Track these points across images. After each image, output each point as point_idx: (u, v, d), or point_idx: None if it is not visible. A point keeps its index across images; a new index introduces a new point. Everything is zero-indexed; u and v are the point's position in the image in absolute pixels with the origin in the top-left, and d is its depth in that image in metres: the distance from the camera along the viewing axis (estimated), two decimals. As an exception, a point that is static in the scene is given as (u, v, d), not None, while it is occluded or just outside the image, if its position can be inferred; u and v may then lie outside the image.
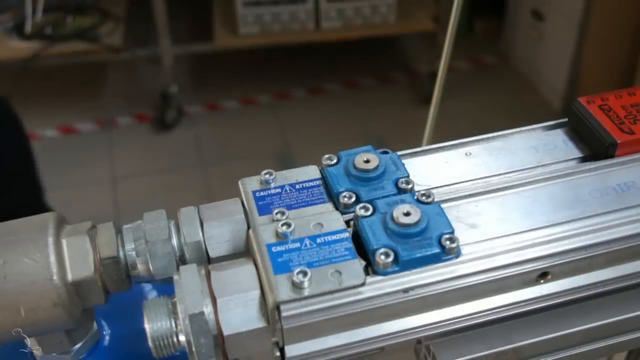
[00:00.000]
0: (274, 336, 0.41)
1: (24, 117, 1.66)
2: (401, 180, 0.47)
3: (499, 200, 0.47)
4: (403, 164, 0.48)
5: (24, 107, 1.83)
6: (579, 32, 2.40)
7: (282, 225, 0.43)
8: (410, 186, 0.47)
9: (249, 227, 0.47)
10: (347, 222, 0.45)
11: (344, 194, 0.46)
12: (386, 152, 0.49)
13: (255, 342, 0.42)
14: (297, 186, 0.48)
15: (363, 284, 0.41)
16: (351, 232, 0.44)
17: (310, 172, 0.49)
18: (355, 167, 0.47)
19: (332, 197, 0.47)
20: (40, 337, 0.50)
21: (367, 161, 0.47)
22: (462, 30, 2.75)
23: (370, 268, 0.42)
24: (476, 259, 0.43)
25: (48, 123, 2.40)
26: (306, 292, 0.40)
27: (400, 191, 0.46)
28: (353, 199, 0.46)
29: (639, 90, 0.54)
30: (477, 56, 2.90)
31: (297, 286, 0.40)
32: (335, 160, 0.49)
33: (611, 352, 0.51)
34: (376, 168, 0.47)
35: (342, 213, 0.45)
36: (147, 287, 0.59)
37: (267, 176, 0.48)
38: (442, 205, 0.45)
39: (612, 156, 0.50)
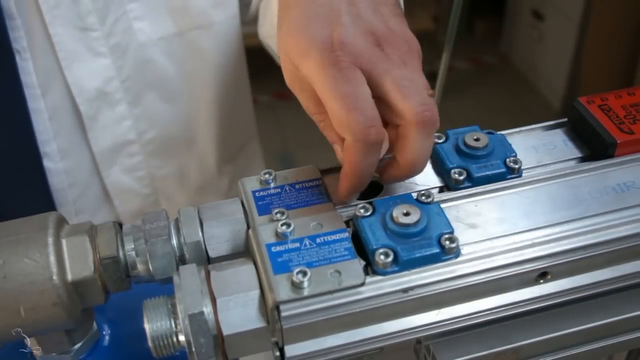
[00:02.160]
0: (273, 336, 0.41)
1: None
2: (509, 159, 0.49)
3: (498, 200, 0.47)
4: (510, 144, 0.50)
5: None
6: (579, 32, 2.41)
7: (282, 225, 0.43)
8: (517, 166, 0.48)
9: (248, 227, 0.47)
10: (347, 222, 0.45)
11: (454, 170, 0.48)
12: (492, 133, 0.51)
13: (254, 342, 0.42)
14: (297, 186, 0.48)
15: (363, 284, 0.41)
16: (351, 232, 0.44)
17: (310, 172, 0.49)
18: (465, 144, 0.49)
19: (442, 173, 0.49)
20: (40, 337, 0.50)
21: (477, 139, 0.49)
22: (462, 30, 2.76)
23: (370, 268, 0.42)
24: (476, 259, 0.43)
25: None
26: (306, 292, 0.40)
27: (509, 170, 0.48)
28: (464, 176, 0.48)
29: (639, 90, 0.54)
30: (477, 56, 2.90)
31: (296, 286, 0.40)
32: (443, 140, 0.51)
33: (611, 352, 0.51)
34: (486, 146, 0.49)
35: (453, 189, 0.47)
36: (147, 287, 0.59)
37: (267, 176, 0.48)
38: (442, 205, 0.45)
39: (611, 156, 0.50)
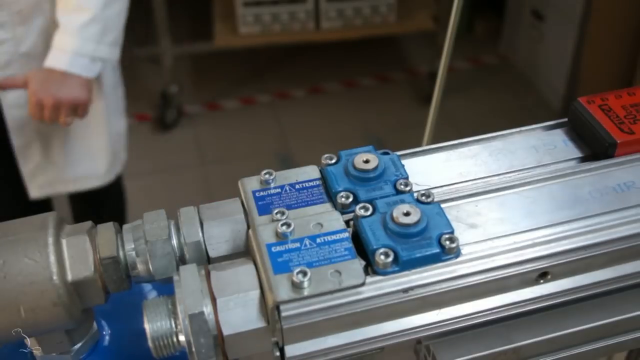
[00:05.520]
0: (273, 336, 0.41)
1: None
2: (400, 181, 0.47)
3: (499, 200, 0.47)
4: (403, 165, 0.48)
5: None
6: (579, 32, 2.40)
7: (282, 225, 0.43)
8: (408, 188, 0.46)
9: (248, 227, 0.47)
10: (347, 222, 0.45)
11: (341, 193, 0.46)
12: (387, 153, 0.49)
13: (255, 342, 0.42)
14: (297, 186, 0.48)
15: (363, 284, 0.41)
16: (351, 232, 0.44)
17: (310, 172, 0.49)
18: (354, 167, 0.47)
19: (331, 196, 0.47)
20: (40, 337, 0.50)
21: (367, 161, 0.47)
22: (462, 30, 2.75)
23: (370, 268, 0.42)
24: (476, 259, 0.43)
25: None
26: (306, 292, 0.40)
27: (399, 192, 0.46)
28: (350, 199, 0.46)
29: (639, 90, 0.54)
30: (477, 56, 2.90)
31: (296, 286, 0.40)
32: (335, 160, 0.49)
33: (611, 352, 0.51)
34: (375, 168, 0.47)
35: (342, 213, 0.45)
36: (147, 287, 0.59)
37: (267, 176, 0.48)
38: (442, 205, 0.45)
39: (611, 156, 0.50)
